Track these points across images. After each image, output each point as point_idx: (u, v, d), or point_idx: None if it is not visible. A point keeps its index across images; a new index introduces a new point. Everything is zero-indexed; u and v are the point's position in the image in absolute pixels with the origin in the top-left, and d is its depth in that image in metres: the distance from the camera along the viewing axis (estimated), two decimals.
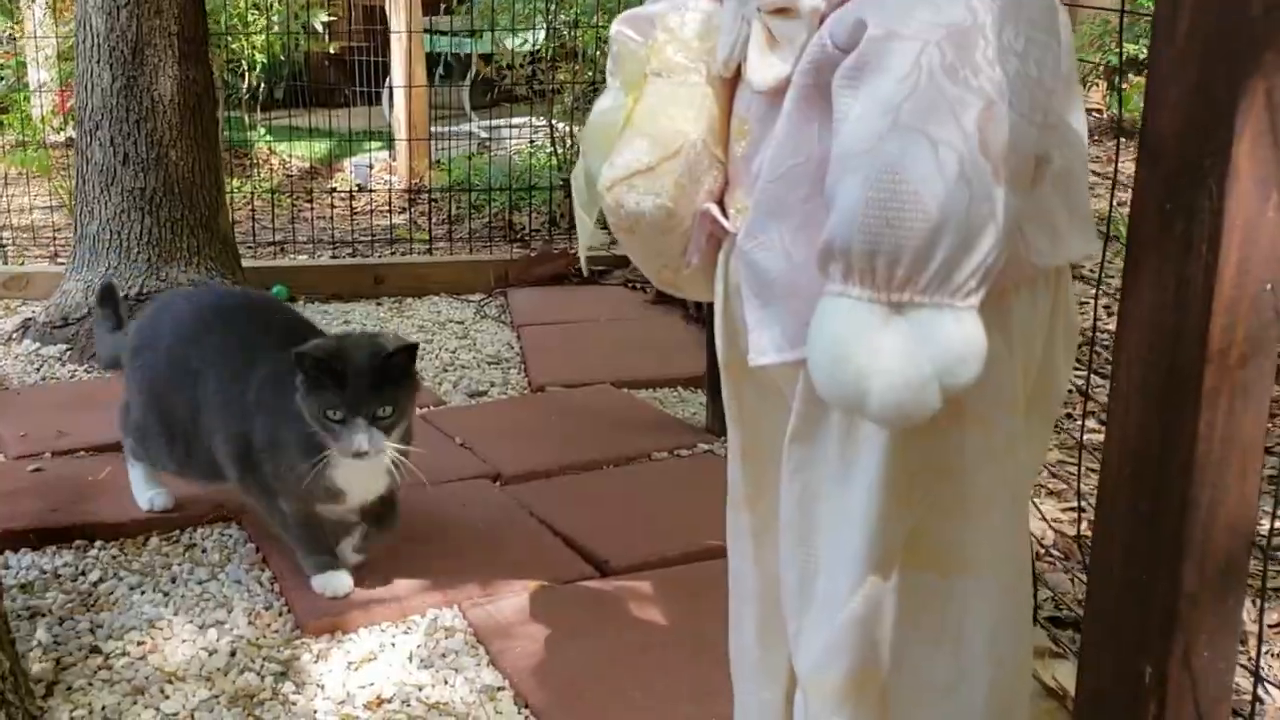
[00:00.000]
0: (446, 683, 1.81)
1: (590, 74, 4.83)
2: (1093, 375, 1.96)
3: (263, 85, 5.81)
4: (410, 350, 1.92)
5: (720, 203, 1.12)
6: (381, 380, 1.86)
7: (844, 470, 1.02)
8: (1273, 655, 1.83)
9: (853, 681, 1.04)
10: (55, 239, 4.31)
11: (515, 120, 5.67)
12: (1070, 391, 2.79)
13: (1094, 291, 2.80)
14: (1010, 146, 0.87)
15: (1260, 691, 1.68)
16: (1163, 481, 1.22)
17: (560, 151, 4.76)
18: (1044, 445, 1.14)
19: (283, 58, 6.00)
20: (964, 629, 1.05)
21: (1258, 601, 1.77)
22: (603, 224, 1.26)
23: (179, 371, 2.15)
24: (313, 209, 4.94)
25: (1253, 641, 1.64)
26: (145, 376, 2.22)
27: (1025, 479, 1.07)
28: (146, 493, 2.31)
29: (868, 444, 1.00)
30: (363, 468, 1.91)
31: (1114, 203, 1.79)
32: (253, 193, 4.68)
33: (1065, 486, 2.39)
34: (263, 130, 5.71)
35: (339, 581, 2.01)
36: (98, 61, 3.29)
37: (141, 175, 3.33)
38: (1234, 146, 1.12)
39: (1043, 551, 2.16)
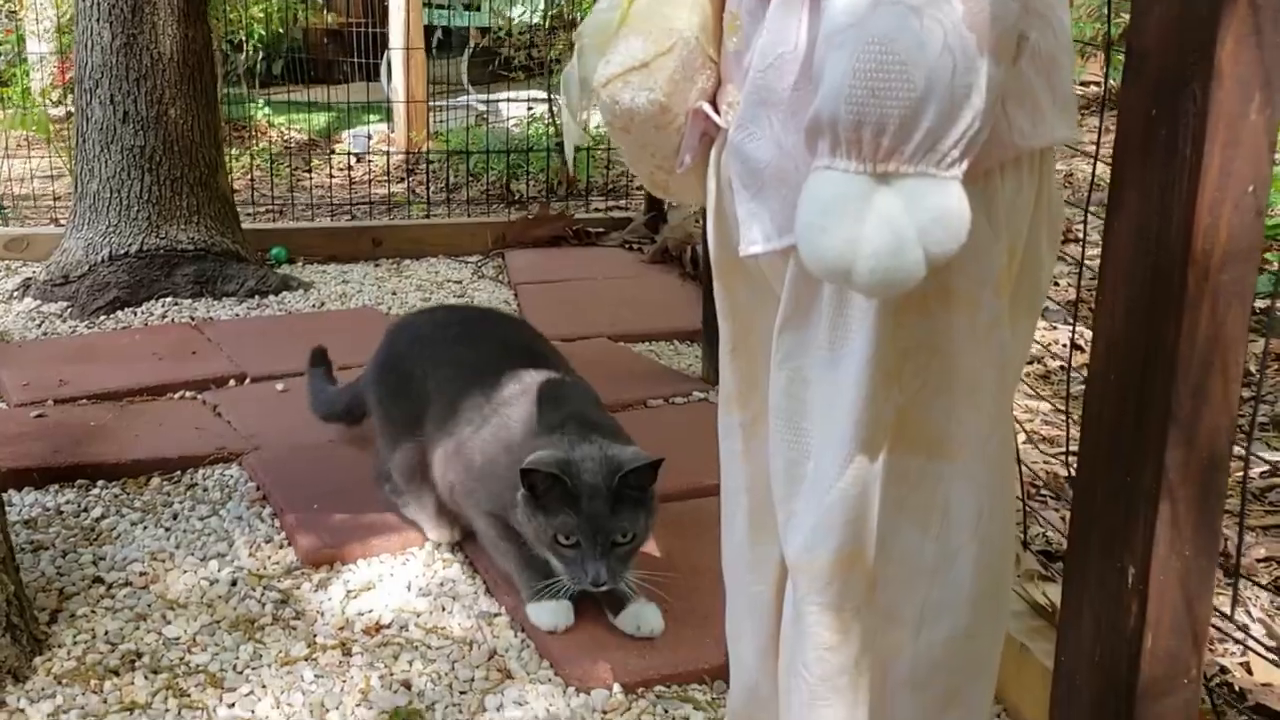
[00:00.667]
0: (444, 609, 1.84)
1: None
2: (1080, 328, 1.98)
3: (261, 60, 5.83)
4: (654, 467, 1.72)
5: (713, 102, 1.15)
6: (620, 501, 1.68)
7: (833, 354, 1.04)
8: (1258, 585, 1.86)
9: (840, 562, 1.06)
10: (55, 205, 4.33)
11: (513, 94, 5.68)
12: (1051, 345, 2.83)
13: (1077, 258, 2.82)
14: (993, 19, 0.90)
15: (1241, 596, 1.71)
16: (1146, 384, 1.25)
17: (558, 121, 4.77)
18: (1029, 335, 1.16)
19: (281, 30, 6.01)
20: (950, 511, 1.07)
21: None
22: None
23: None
24: (311, 178, 4.96)
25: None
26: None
27: (1011, 364, 1.09)
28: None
29: (857, 326, 1.02)
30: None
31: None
32: (251, 162, 4.70)
33: (1058, 433, 2.43)
34: (261, 103, 5.73)
35: (558, 614, 1.74)
36: (98, 20, 3.30)
37: (141, 133, 3.35)
38: (1216, 50, 1.14)
39: (1034, 491, 2.19)
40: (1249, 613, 1.69)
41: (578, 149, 4.40)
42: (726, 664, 1.41)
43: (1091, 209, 1.73)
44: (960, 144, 0.89)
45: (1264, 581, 1.83)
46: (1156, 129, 1.20)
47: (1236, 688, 1.60)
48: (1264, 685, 1.59)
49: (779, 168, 1.03)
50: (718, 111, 1.14)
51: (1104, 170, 1.52)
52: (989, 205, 1.01)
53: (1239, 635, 1.51)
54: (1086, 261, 1.81)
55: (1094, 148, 1.71)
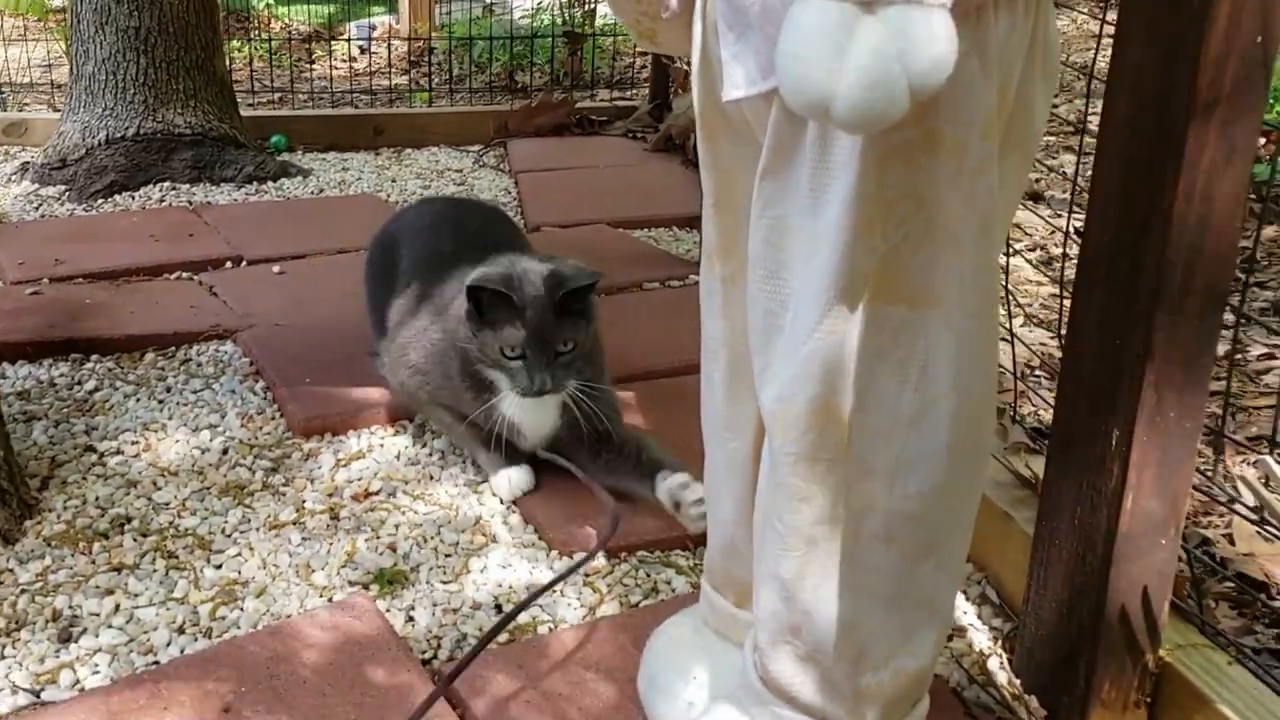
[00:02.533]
0: (432, 478, 1.85)
1: None
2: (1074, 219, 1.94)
3: None
4: (593, 284, 1.76)
5: None
6: (563, 313, 1.73)
7: (814, 201, 1.01)
8: (1247, 464, 1.85)
9: (816, 412, 1.05)
10: (54, 92, 4.28)
11: None
12: (1055, 232, 2.78)
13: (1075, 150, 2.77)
14: None
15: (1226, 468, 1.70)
16: (1142, 242, 1.23)
17: (566, 11, 4.68)
18: (1020, 183, 1.13)
19: None
20: (929, 361, 1.05)
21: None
22: None
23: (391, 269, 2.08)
24: (313, 69, 4.89)
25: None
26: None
27: (998, 212, 1.06)
28: None
29: (839, 172, 0.99)
30: (532, 405, 1.76)
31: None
32: (253, 53, 4.62)
33: (1054, 317, 2.40)
34: None
35: (519, 477, 1.79)
36: None
37: (136, 14, 3.29)
38: None
39: (1028, 372, 2.17)
40: (1234, 487, 1.67)
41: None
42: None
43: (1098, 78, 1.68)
44: None
45: (1254, 459, 1.82)
46: None
47: (1218, 557, 1.60)
48: (1245, 555, 1.58)
49: (765, 5, 0.99)
50: None
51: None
52: (980, 44, 0.97)
53: (1222, 504, 1.50)
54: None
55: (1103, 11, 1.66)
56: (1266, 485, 1.66)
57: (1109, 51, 1.28)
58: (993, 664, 1.44)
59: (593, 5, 4.86)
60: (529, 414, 1.78)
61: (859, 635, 1.09)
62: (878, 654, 1.11)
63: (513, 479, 1.78)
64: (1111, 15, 1.34)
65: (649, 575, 1.61)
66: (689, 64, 1.21)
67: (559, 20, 4.73)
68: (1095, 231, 1.29)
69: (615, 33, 4.62)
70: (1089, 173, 1.33)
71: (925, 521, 1.09)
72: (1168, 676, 1.30)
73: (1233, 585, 1.54)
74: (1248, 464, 1.82)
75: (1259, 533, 1.60)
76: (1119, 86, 1.24)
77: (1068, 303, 1.36)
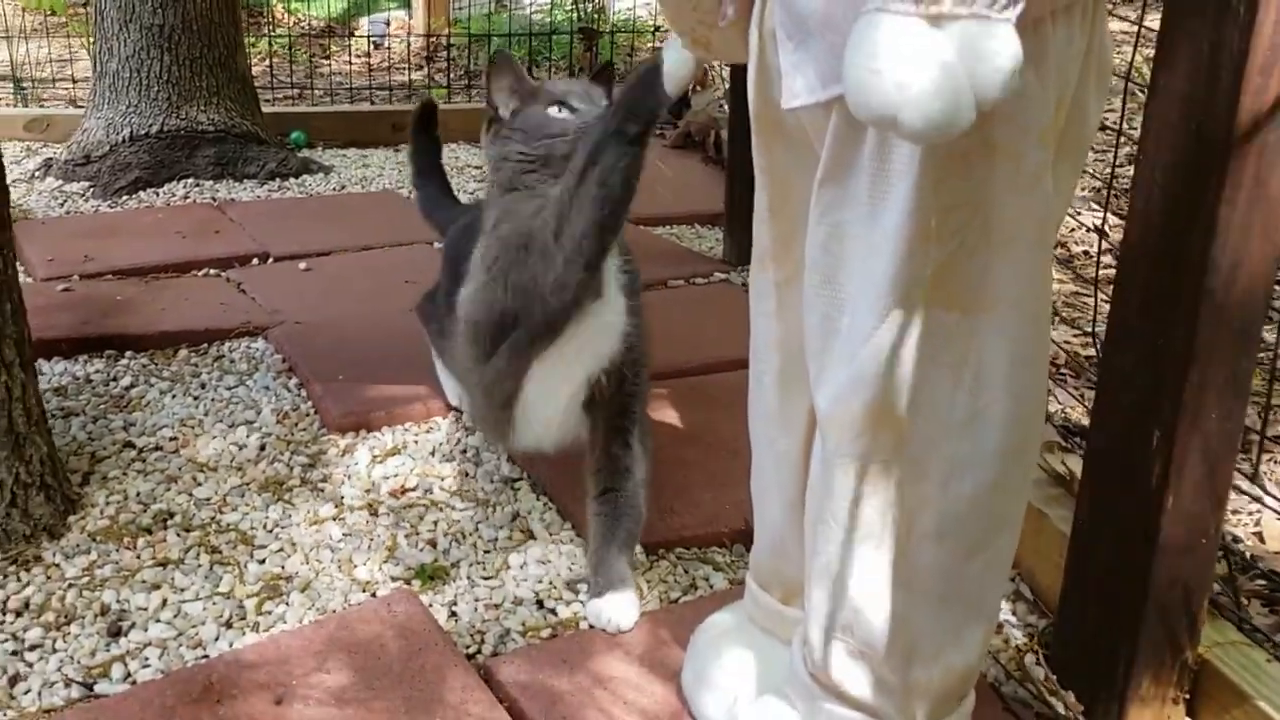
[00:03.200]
0: (468, 474, 1.87)
1: None
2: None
3: None
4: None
5: None
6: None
7: (873, 208, 1.03)
8: (1275, 462, 1.87)
9: (871, 415, 1.07)
10: (74, 87, 4.30)
11: None
12: (1075, 230, 2.80)
13: (1114, 141, 2.79)
14: None
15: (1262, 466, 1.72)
16: (1183, 247, 1.24)
17: (580, 7, 4.69)
18: (1072, 189, 1.15)
19: None
20: (983, 366, 1.07)
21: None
22: None
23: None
24: (329, 65, 4.91)
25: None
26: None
27: (1051, 217, 1.08)
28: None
29: (898, 181, 1.01)
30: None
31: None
32: (270, 48, 4.64)
33: (1078, 314, 2.42)
34: None
35: (620, 609, 1.47)
36: None
37: (160, 11, 3.31)
38: None
39: (1054, 370, 2.19)
40: (1263, 486, 1.69)
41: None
42: (746, 528, 1.43)
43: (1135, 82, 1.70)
44: None
45: None
46: None
47: (1249, 555, 1.62)
48: (1275, 553, 1.60)
49: (826, 14, 1.01)
50: None
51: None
52: (1039, 55, 0.99)
53: (1258, 494, 1.52)
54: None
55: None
56: None
57: (1133, 52, 1.29)
58: (1029, 660, 1.46)
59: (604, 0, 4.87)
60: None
61: (909, 632, 1.11)
62: (927, 651, 1.13)
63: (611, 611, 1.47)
64: (1151, 20, 1.36)
65: (687, 572, 1.64)
66: (729, 93, 1.22)
67: (573, 15, 4.74)
68: (1136, 235, 1.30)
69: (631, 28, 4.63)
70: (1108, 171, 1.34)
71: (976, 522, 1.11)
72: (1206, 673, 1.32)
73: (1264, 583, 1.56)
74: (1275, 462, 1.84)
75: None
76: (1163, 94, 1.25)
77: (1092, 300, 1.37)
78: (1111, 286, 1.36)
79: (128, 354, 2.28)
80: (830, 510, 1.12)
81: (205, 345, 2.32)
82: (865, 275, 1.05)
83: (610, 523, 1.54)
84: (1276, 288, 1.46)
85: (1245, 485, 1.55)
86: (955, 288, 1.05)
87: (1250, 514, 1.71)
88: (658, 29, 4.58)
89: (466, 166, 3.64)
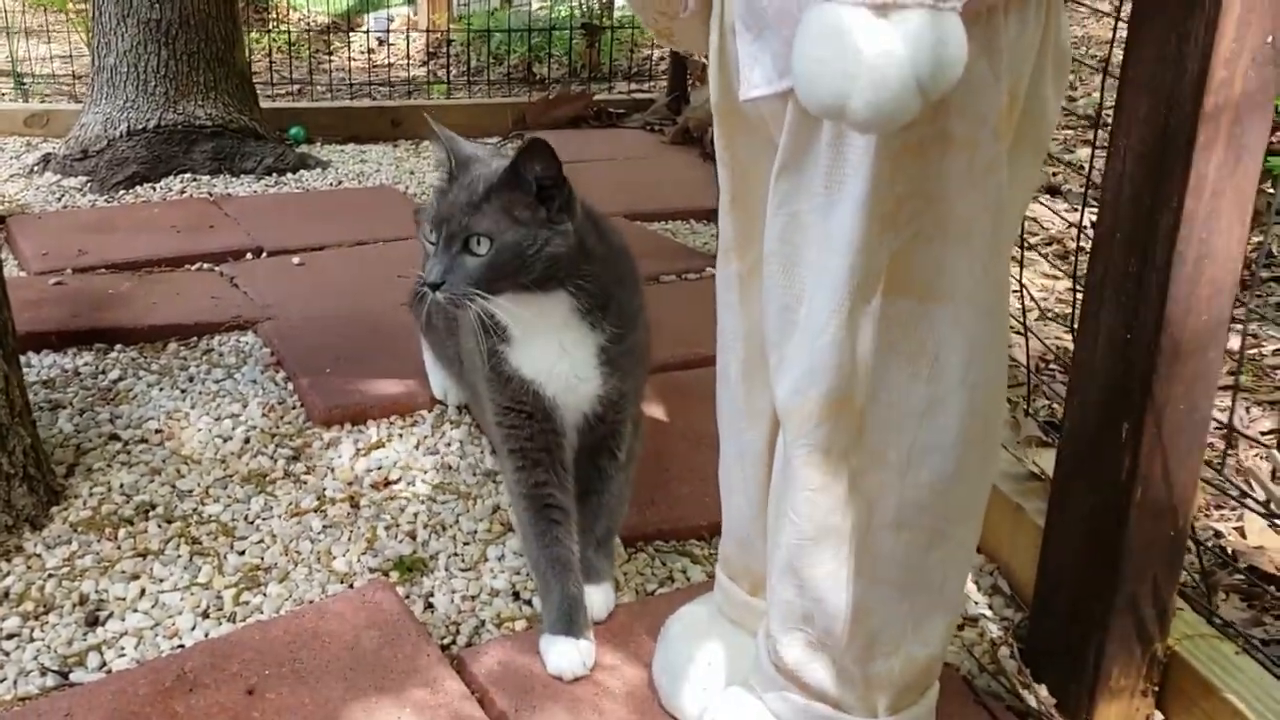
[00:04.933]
0: (450, 468, 1.87)
1: None
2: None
3: None
4: (543, 155, 1.35)
5: None
6: (490, 199, 1.35)
7: (829, 198, 1.04)
8: (1260, 457, 1.86)
9: (830, 404, 1.07)
10: (75, 84, 4.32)
11: None
12: (1071, 226, 2.78)
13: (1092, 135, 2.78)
14: None
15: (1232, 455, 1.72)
16: (1151, 238, 1.24)
17: (583, 3, 4.69)
18: (1032, 181, 1.15)
19: None
20: (940, 355, 1.07)
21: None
22: None
23: None
24: (332, 61, 4.92)
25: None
26: None
27: (1009, 207, 1.08)
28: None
29: (853, 170, 1.01)
30: (539, 346, 1.45)
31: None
32: (272, 44, 4.66)
33: (1070, 311, 2.41)
34: None
35: (565, 656, 1.37)
36: None
37: (157, 6, 3.33)
38: None
39: (1042, 366, 2.18)
40: (1248, 481, 1.69)
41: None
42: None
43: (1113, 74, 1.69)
44: None
45: (1265, 453, 1.83)
46: None
47: (1230, 550, 1.61)
48: (1256, 548, 1.60)
49: (781, 7, 1.01)
50: None
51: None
52: (990, 44, 0.99)
53: (1236, 496, 1.52)
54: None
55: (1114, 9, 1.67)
56: (1274, 479, 1.67)
57: (1110, 45, 1.29)
58: (1003, 653, 1.46)
59: None
60: (553, 366, 1.46)
61: (869, 623, 1.11)
62: (888, 641, 1.13)
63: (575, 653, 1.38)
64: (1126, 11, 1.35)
65: (665, 564, 1.64)
66: (706, 60, 1.23)
67: (577, 12, 4.74)
68: (1106, 228, 1.30)
69: (633, 25, 4.63)
70: (1095, 139, 1.33)
71: (935, 511, 1.11)
72: (1175, 665, 1.31)
73: (1243, 578, 1.55)
74: (1260, 459, 1.83)
75: (1270, 526, 1.61)
76: (1132, 86, 1.25)
77: (1080, 297, 1.37)
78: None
79: (117, 347, 2.29)
80: (791, 501, 1.12)
81: (195, 339, 2.33)
82: (823, 264, 1.05)
83: (590, 520, 1.54)
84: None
85: (1233, 483, 1.54)
86: (912, 276, 1.05)
87: (1233, 509, 1.70)
88: None
89: None
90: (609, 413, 1.51)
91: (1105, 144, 1.76)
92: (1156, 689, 1.32)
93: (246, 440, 1.95)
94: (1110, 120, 1.30)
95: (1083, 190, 2.98)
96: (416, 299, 2.06)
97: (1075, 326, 1.34)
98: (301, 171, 3.48)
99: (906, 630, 1.13)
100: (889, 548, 1.11)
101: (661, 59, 4.45)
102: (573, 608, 1.40)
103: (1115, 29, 1.62)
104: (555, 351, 1.47)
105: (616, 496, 1.55)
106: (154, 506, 1.76)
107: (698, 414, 1.96)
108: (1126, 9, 1.28)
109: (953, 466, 1.10)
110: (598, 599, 1.47)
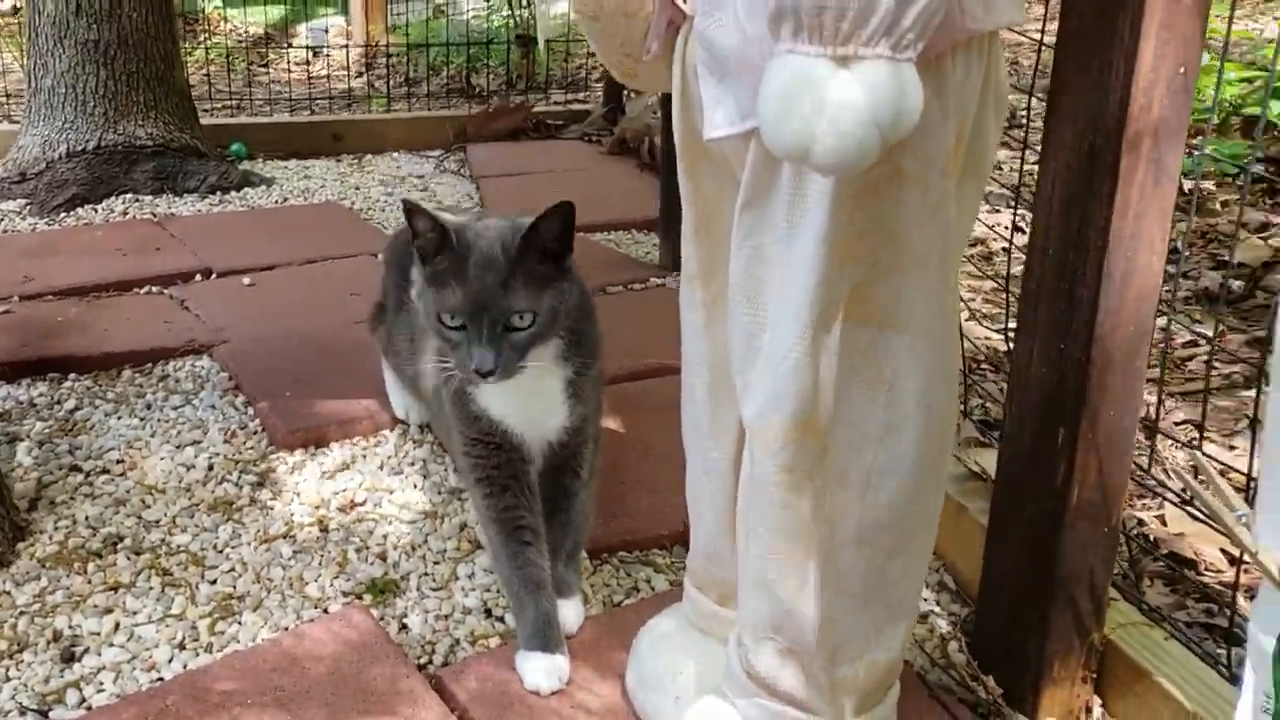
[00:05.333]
0: (416, 487, 1.92)
1: None
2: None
3: None
4: (565, 216, 1.40)
5: None
6: (522, 274, 1.38)
7: (791, 231, 1.10)
8: (1175, 446, 1.96)
9: (795, 426, 1.13)
10: (8, 101, 4.26)
11: None
12: (994, 228, 2.89)
13: (1022, 141, 2.89)
14: None
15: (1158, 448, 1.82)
16: (1080, 256, 1.33)
17: (516, 14, 4.73)
18: (974, 211, 1.22)
19: None
20: (898, 380, 1.14)
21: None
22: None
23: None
24: (268, 73, 4.90)
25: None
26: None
27: (955, 240, 1.15)
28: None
29: (814, 205, 1.07)
30: (508, 386, 1.44)
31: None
32: (206, 57, 4.63)
33: (999, 310, 2.51)
34: None
35: (541, 671, 1.42)
36: None
37: (95, 26, 3.31)
38: None
39: (975, 365, 2.28)
40: (1165, 471, 1.79)
41: (546, 41, 4.40)
42: (684, 530, 1.50)
43: (1038, 95, 1.78)
44: (916, 27, 0.92)
45: (1181, 442, 1.94)
46: (1098, 14, 1.25)
47: (1152, 538, 1.71)
48: (1176, 535, 1.70)
49: (742, 54, 1.07)
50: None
51: (1048, 58, 1.56)
52: (940, 88, 1.05)
53: (1156, 491, 1.61)
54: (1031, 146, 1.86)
55: (1039, 35, 1.75)
56: (1196, 476, 1.76)
57: (1034, 74, 1.37)
58: (952, 647, 1.54)
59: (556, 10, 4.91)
60: (521, 404, 1.48)
61: (835, 631, 1.18)
62: (852, 648, 1.20)
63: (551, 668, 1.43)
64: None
65: (630, 575, 1.70)
66: (662, 103, 1.28)
67: (511, 22, 4.78)
68: (1038, 247, 1.38)
69: (567, 36, 4.67)
70: (1024, 166, 1.41)
71: (894, 528, 1.19)
72: (1110, 653, 1.41)
73: (1165, 564, 1.65)
74: (1175, 446, 1.94)
75: (1186, 513, 1.71)
76: (1058, 113, 1.33)
77: (1011, 297, 1.45)
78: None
79: (71, 376, 2.29)
80: (759, 518, 1.18)
81: (150, 365, 2.34)
82: (785, 294, 1.12)
83: (559, 537, 1.59)
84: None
85: (1153, 477, 1.63)
86: (870, 306, 1.11)
87: (1154, 498, 1.80)
88: None
89: (409, 176, 3.68)
90: (574, 439, 1.57)
91: (1019, 143, 1.86)
92: (1094, 676, 1.41)
93: (210, 467, 1.97)
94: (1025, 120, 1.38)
95: (1005, 192, 3.09)
96: (375, 318, 2.10)
97: (1008, 334, 1.43)
98: (246, 189, 3.48)
99: (869, 637, 1.20)
100: (851, 562, 1.18)
101: (594, 68, 4.50)
102: (547, 624, 1.46)
103: (1039, 53, 1.71)
104: (526, 391, 1.50)
105: (582, 513, 1.61)
106: (122, 538, 1.78)
107: (646, 425, 2.03)
108: (1050, 37, 1.36)
109: (909, 486, 1.17)
110: (569, 613, 1.52)
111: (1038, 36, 1.76)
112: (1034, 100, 1.80)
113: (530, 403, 1.51)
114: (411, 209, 1.41)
